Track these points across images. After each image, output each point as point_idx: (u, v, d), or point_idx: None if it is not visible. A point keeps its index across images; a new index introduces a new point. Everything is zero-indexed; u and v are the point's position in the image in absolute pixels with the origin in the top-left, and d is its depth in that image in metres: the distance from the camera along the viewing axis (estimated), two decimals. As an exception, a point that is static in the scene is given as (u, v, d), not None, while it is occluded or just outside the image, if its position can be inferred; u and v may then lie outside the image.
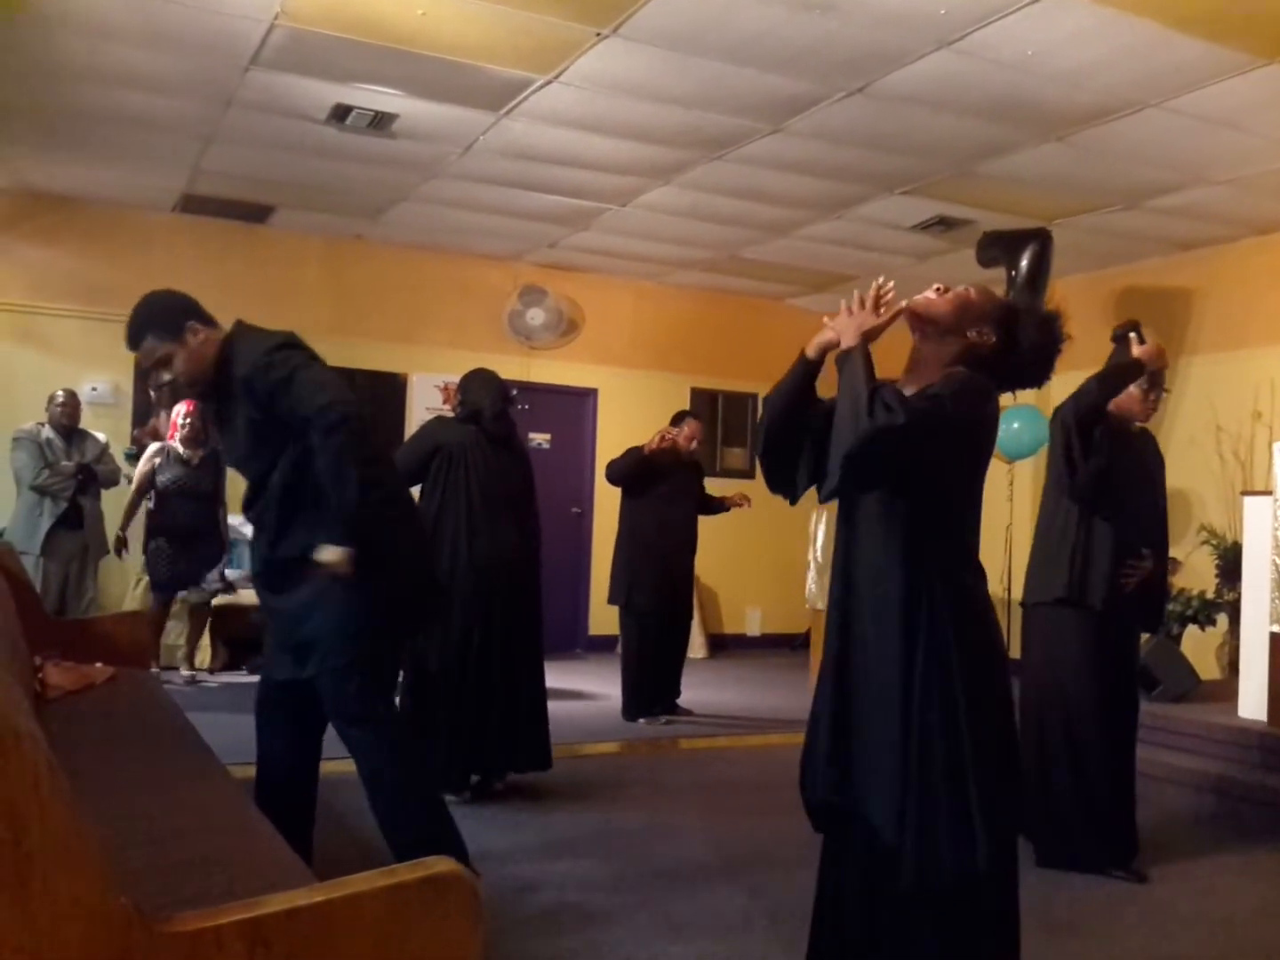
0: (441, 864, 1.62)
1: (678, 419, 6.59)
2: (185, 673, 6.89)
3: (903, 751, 2.30)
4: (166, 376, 2.97)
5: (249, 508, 3.04)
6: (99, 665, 4.09)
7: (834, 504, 2.57)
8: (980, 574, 2.42)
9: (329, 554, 2.83)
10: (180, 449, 6.71)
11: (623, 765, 5.28)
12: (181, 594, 6.92)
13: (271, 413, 2.85)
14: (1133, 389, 3.90)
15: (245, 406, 2.89)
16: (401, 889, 1.58)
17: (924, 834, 2.27)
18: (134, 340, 2.95)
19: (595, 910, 3.25)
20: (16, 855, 1.32)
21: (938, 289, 2.49)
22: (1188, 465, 7.12)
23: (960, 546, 2.39)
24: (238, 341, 2.93)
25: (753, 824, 4.22)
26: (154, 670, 6.48)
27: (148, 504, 6.77)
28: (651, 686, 6.34)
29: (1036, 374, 2.51)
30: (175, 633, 7.10)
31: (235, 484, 7.31)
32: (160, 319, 2.91)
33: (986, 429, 2.42)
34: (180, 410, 6.76)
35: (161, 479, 6.65)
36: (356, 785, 3.02)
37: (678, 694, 6.53)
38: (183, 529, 6.63)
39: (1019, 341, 2.45)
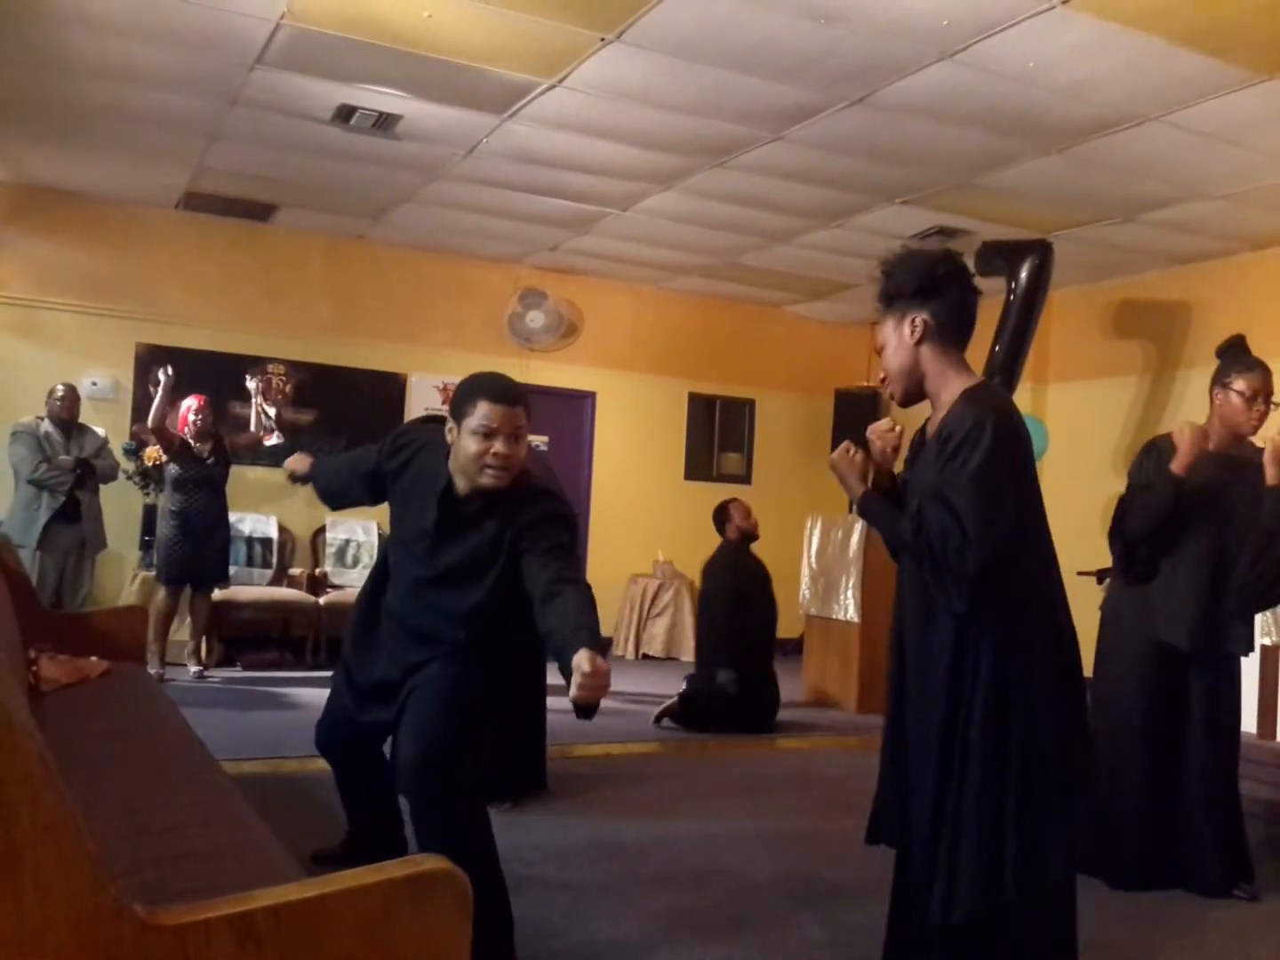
0: (431, 861, 1.63)
1: (720, 517, 6.54)
2: (194, 669, 6.88)
3: (941, 775, 2.31)
4: None
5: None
6: (93, 659, 4.09)
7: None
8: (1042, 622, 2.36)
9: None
10: (192, 441, 6.82)
11: (615, 766, 5.27)
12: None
13: None
14: (1234, 399, 3.56)
15: None
16: (391, 885, 1.58)
17: (950, 863, 2.28)
18: None
19: (587, 911, 3.25)
20: (7, 846, 1.33)
21: (881, 379, 2.48)
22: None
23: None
24: None
25: (744, 825, 4.24)
26: (161, 668, 6.54)
27: (162, 499, 6.89)
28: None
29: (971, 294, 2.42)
30: (181, 628, 7.08)
31: (237, 481, 7.34)
32: None
33: (1021, 446, 2.34)
34: (192, 405, 6.84)
35: (175, 468, 6.75)
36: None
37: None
38: (197, 515, 6.71)
39: (940, 293, 2.37)
